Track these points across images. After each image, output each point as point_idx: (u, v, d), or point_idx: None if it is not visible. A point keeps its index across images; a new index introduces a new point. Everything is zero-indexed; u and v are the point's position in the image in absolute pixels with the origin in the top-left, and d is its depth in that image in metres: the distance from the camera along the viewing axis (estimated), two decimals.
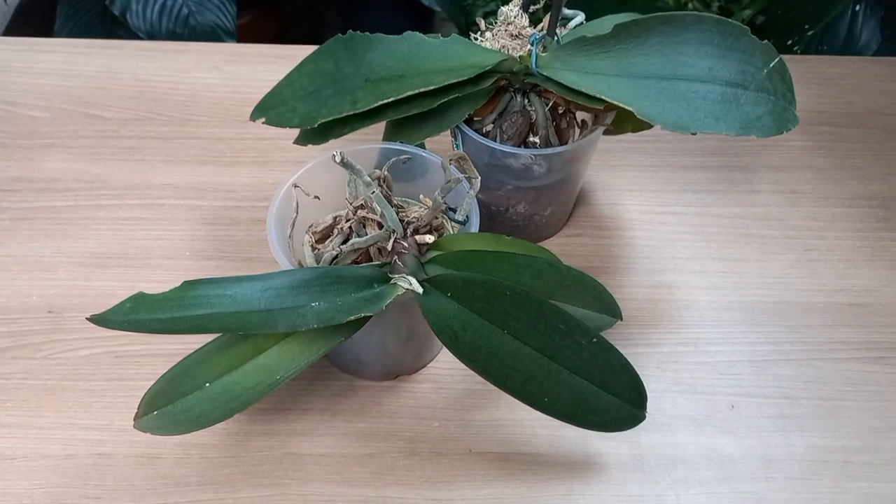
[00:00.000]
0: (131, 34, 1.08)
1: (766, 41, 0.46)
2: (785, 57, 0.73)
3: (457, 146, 0.52)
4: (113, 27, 1.15)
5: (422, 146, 0.51)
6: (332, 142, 0.49)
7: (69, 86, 0.70)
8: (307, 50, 0.50)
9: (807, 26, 0.83)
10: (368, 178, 0.39)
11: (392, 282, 0.39)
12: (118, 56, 0.74)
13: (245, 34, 1.27)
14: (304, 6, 1.57)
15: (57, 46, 0.74)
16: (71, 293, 0.55)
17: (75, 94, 0.70)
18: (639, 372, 0.39)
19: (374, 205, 0.40)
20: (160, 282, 0.55)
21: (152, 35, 1.07)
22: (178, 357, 0.40)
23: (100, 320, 0.34)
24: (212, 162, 0.64)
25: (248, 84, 0.71)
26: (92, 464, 0.46)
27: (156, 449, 0.46)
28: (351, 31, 0.50)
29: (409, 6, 1.23)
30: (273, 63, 0.73)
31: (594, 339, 0.39)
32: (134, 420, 0.39)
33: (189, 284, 0.36)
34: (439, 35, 0.50)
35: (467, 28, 1.32)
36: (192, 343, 0.41)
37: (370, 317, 0.37)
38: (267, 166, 0.64)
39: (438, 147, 0.57)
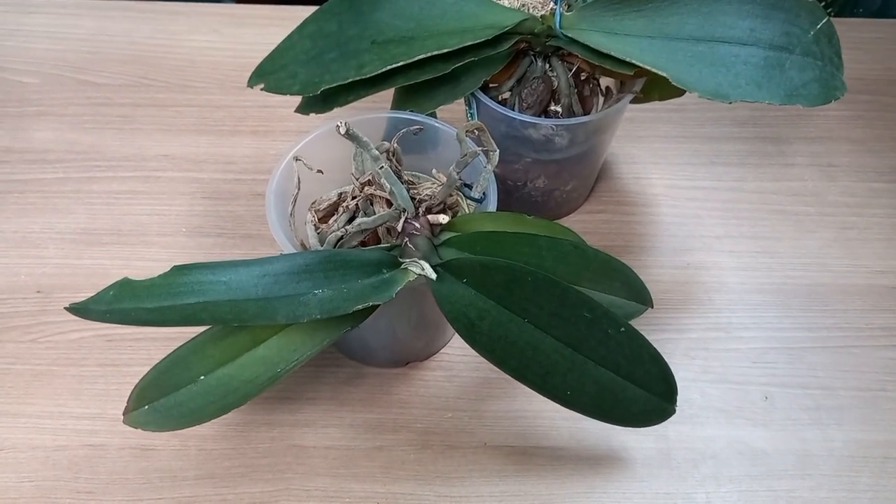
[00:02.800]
0: None
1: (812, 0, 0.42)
2: None
3: (471, 115, 0.48)
4: None
5: (433, 115, 0.48)
6: (336, 110, 0.45)
7: (60, 49, 0.66)
8: (312, 11, 0.46)
9: None
10: (376, 152, 0.36)
11: (403, 267, 0.35)
12: (112, 18, 0.69)
13: None
14: None
15: (46, 7, 0.70)
16: (61, 272, 0.51)
17: (66, 58, 0.66)
18: (666, 359, 0.36)
19: (383, 181, 0.37)
20: (155, 260, 0.52)
21: None
22: (174, 342, 0.37)
23: (80, 310, 0.31)
24: (210, 131, 0.60)
25: (250, 48, 0.67)
26: (83, 455, 0.44)
27: (151, 440, 0.44)
28: None
29: None
30: (276, 25, 0.68)
31: (622, 328, 0.36)
32: (123, 414, 0.36)
33: (179, 269, 0.33)
34: None
35: None
36: (190, 328, 0.38)
37: (378, 305, 0.34)
38: (269, 136, 0.60)
39: (451, 116, 0.53)
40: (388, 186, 0.36)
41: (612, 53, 0.41)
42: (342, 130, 0.34)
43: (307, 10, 0.46)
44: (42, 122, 0.60)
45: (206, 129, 0.60)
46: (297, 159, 0.41)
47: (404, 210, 0.37)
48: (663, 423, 0.37)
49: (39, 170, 0.57)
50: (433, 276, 0.35)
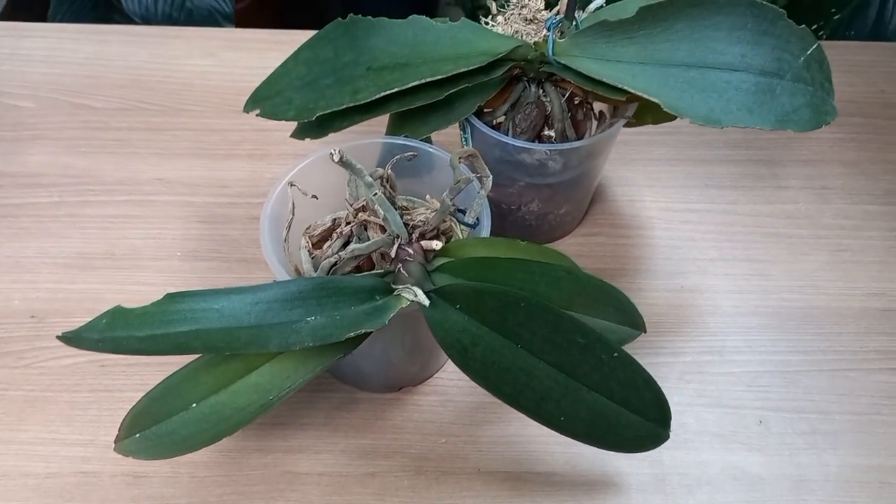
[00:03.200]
0: (126, 18, 1.04)
1: (803, 26, 0.42)
2: None
3: (465, 140, 0.48)
4: (108, 12, 1.11)
5: (428, 140, 0.48)
6: (332, 135, 0.45)
7: (57, 73, 0.67)
8: (309, 35, 0.46)
9: (833, 10, 0.79)
10: (370, 179, 0.36)
11: (396, 293, 0.35)
12: (109, 42, 0.70)
13: (245, 19, 1.23)
14: None
15: (44, 32, 0.70)
16: (55, 297, 0.51)
17: (63, 82, 0.66)
18: (660, 383, 0.36)
19: (377, 207, 0.37)
20: (149, 284, 0.52)
21: (147, 19, 1.03)
22: (168, 367, 0.37)
23: (73, 339, 0.31)
24: (206, 155, 0.60)
25: (246, 72, 0.68)
26: (75, 483, 0.43)
27: (143, 467, 0.43)
28: (352, 14, 0.46)
29: None
30: (273, 49, 0.69)
31: (615, 354, 0.36)
32: (114, 442, 0.35)
33: (172, 297, 0.33)
34: (447, 19, 0.46)
35: (473, 12, 1.27)
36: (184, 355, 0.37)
37: (371, 332, 0.34)
38: (265, 160, 0.60)
39: (447, 139, 0.53)
40: (382, 213, 0.37)
41: (605, 80, 0.41)
42: (336, 158, 0.34)
43: (305, 35, 0.47)
44: (37, 147, 0.60)
45: (201, 152, 0.61)
46: (291, 185, 0.41)
47: (398, 236, 0.37)
48: (658, 449, 0.37)
49: (33, 194, 0.57)
50: (426, 302, 0.35)
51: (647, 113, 0.50)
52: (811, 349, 0.50)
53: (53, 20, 1.09)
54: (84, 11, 1.12)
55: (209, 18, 1.04)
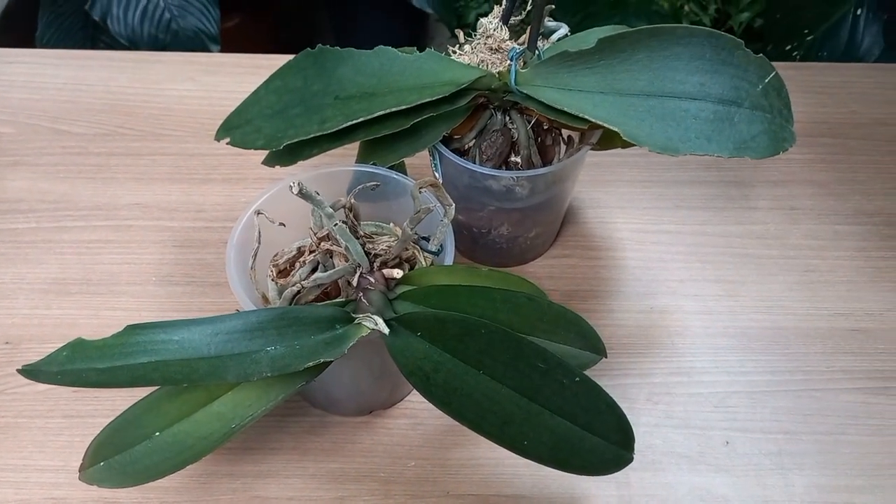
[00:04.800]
0: (113, 40, 1.05)
1: (760, 55, 0.43)
2: (784, 64, 0.70)
3: (435, 166, 0.49)
4: (95, 33, 1.12)
5: (401, 165, 0.49)
6: (305, 162, 0.46)
7: (37, 99, 0.67)
8: (287, 60, 0.47)
9: (806, 31, 0.80)
10: (330, 210, 0.36)
11: (356, 322, 0.36)
12: (90, 67, 0.71)
13: (234, 37, 1.24)
14: (294, 8, 1.54)
15: (24, 57, 0.71)
16: (30, 322, 0.52)
17: (43, 107, 0.67)
18: (629, 405, 0.37)
19: (338, 237, 0.37)
20: (124, 309, 0.53)
21: (134, 41, 1.04)
22: (139, 393, 0.37)
23: (32, 372, 0.31)
24: (183, 180, 0.61)
25: (225, 96, 0.68)
26: None
27: (113, 494, 0.44)
28: (321, 45, 0.47)
29: (401, 7, 1.20)
30: (252, 74, 0.70)
31: (577, 378, 0.36)
32: (79, 471, 0.36)
33: (132, 329, 0.33)
34: (414, 49, 0.47)
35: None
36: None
37: (330, 362, 0.34)
38: (241, 184, 0.61)
39: (421, 163, 0.54)
40: (343, 243, 0.37)
41: (566, 109, 0.42)
42: (295, 191, 0.34)
43: (283, 59, 0.47)
44: (16, 172, 0.61)
45: (179, 177, 0.61)
46: (258, 213, 0.42)
47: (359, 265, 0.37)
48: (625, 470, 0.37)
49: (11, 219, 0.58)
50: (386, 330, 0.36)
51: (616, 138, 0.50)
52: (778, 369, 0.51)
53: (41, 40, 1.10)
54: (72, 32, 1.13)
55: (195, 40, 1.06)
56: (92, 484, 0.36)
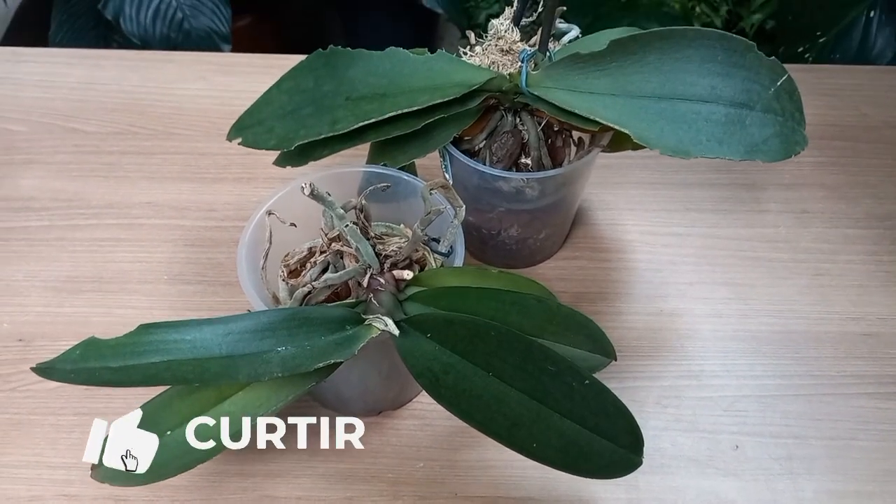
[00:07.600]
0: (126, 39, 1.06)
1: (772, 57, 0.43)
2: (795, 66, 0.70)
3: (445, 167, 0.49)
4: (108, 32, 1.12)
5: (411, 166, 0.49)
6: (322, 161, 0.46)
7: (49, 98, 0.68)
8: (299, 60, 0.47)
9: (819, 33, 0.80)
10: (341, 211, 0.37)
11: (366, 323, 0.36)
12: (102, 67, 0.71)
13: (245, 37, 1.25)
14: (305, 8, 1.54)
15: (37, 56, 0.72)
16: (42, 320, 0.52)
17: (55, 106, 0.67)
18: (638, 408, 0.37)
19: (349, 238, 0.37)
20: (136, 308, 0.53)
21: (146, 40, 1.04)
22: (152, 390, 0.37)
23: (46, 370, 0.32)
24: (194, 179, 0.61)
25: (237, 96, 0.68)
26: None
27: (124, 491, 0.44)
28: (332, 45, 0.47)
29: (411, 8, 1.21)
30: (263, 73, 0.69)
31: (586, 381, 0.36)
32: (91, 469, 0.36)
33: (145, 328, 0.33)
34: (425, 51, 0.47)
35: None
36: None
37: (341, 363, 0.35)
38: (252, 183, 0.61)
39: (432, 164, 0.54)
40: (354, 243, 0.37)
41: (576, 111, 0.42)
42: (306, 192, 0.35)
43: (294, 60, 0.47)
44: (29, 171, 0.62)
45: (190, 176, 0.62)
46: (269, 213, 0.42)
47: (369, 266, 0.38)
48: (633, 473, 0.38)
49: (24, 218, 0.58)
50: (396, 331, 0.36)
51: (627, 140, 0.50)
52: (788, 373, 0.50)
53: (54, 39, 1.11)
54: (84, 31, 1.13)
55: (207, 39, 1.06)
56: (104, 482, 0.36)
